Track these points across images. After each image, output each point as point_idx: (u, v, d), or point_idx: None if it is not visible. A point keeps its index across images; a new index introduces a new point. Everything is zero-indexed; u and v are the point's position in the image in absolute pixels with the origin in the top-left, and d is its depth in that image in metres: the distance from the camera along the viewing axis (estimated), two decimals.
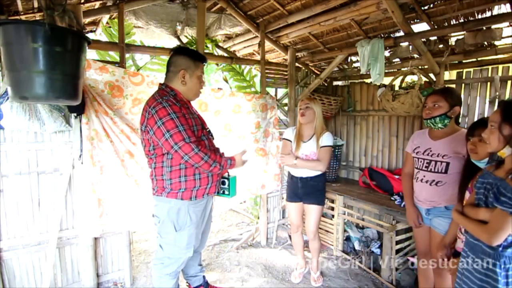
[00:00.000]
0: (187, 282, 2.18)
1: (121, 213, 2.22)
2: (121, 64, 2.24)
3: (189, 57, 1.69)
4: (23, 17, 2.11)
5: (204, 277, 2.19)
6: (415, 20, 2.41)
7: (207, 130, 1.81)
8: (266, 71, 3.11)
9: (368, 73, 2.65)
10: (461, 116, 1.95)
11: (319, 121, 2.26)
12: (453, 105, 1.67)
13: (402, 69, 2.94)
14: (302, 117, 2.25)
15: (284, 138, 2.41)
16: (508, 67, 2.30)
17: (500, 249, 1.11)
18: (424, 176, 1.77)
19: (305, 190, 2.32)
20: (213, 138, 1.85)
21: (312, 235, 2.39)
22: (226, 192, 1.92)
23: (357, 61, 3.16)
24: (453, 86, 2.62)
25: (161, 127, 1.52)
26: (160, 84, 1.74)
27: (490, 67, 2.39)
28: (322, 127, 2.28)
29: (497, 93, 2.32)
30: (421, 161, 1.81)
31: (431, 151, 1.76)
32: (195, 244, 1.80)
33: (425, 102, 1.79)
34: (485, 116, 2.42)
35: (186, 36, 3.01)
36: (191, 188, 1.67)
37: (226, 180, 1.91)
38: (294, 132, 2.35)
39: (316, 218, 2.34)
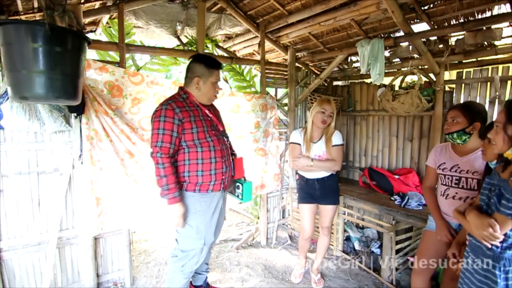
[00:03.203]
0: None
1: (120, 212, 2.22)
2: (121, 64, 2.24)
3: (204, 64, 1.79)
4: (23, 17, 2.10)
5: (206, 277, 2.20)
6: (415, 20, 2.41)
7: (221, 130, 1.91)
8: (266, 71, 3.11)
9: (368, 73, 2.65)
10: None
11: (333, 124, 2.25)
12: (472, 121, 1.60)
13: (402, 69, 2.94)
14: (323, 124, 2.20)
15: (293, 142, 2.31)
16: (508, 67, 2.30)
17: (499, 250, 1.10)
18: (456, 193, 1.69)
19: (323, 191, 2.30)
20: (227, 140, 1.94)
21: (326, 231, 2.40)
22: (240, 196, 1.99)
23: (357, 61, 3.17)
24: (453, 86, 2.63)
25: (151, 124, 1.73)
26: (179, 87, 1.89)
27: (490, 67, 2.39)
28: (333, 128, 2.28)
29: (497, 93, 2.32)
30: (448, 178, 1.72)
31: (459, 167, 1.68)
32: (206, 236, 1.83)
33: (446, 116, 1.73)
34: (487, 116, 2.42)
35: (186, 36, 3.01)
36: (194, 182, 1.77)
37: (240, 185, 1.98)
38: (302, 134, 2.29)
39: (332, 216, 2.40)
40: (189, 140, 1.72)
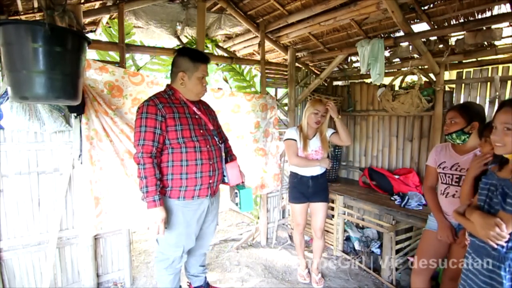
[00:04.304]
0: (188, 281, 2.18)
1: (119, 211, 2.22)
2: (121, 64, 2.24)
3: (189, 58, 1.67)
4: (23, 17, 2.11)
5: (205, 277, 2.19)
6: (415, 20, 2.41)
7: (211, 130, 1.79)
8: (266, 71, 3.11)
9: (368, 73, 2.65)
10: None
11: (326, 123, 2.33)
12: (470, 121, 1.62)
13: (402, 69, 2.94)
14: (317, 124, 2.27)
15: (290, 139, 2.31)
16: (508, 67, 2.30)
17: (504, 250, 1.08)
18: (456, 192, 1.70)
19: (315, 189, 2.33)
20: (219, 139, 1.83)
21: (319, 233, 2.40)
22: (238, 206, 1.88)
23: (357, 61, 3.16)
24: (453, 86, 2.63)
25: (134, 122, 1.66)
26: (167, 84, 1.79)
27: (490, 67, 2.39)
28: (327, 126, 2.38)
29: (497, 93, 2.32)
30: (449, 177, 1.74)
31: (459, 166, 1.70)
32: (185, 245, 1.79)
33: (445, 117, 1.76)
34: (486, 116, 2.42)
35: (186, 36, 3.01)
36: (178, 187, 1.66)
37: (237, 192, 1.86)
38: (298, 132, 2.32)
39: (324, 215, 2.39)
40: (173, 138, 1.62)
